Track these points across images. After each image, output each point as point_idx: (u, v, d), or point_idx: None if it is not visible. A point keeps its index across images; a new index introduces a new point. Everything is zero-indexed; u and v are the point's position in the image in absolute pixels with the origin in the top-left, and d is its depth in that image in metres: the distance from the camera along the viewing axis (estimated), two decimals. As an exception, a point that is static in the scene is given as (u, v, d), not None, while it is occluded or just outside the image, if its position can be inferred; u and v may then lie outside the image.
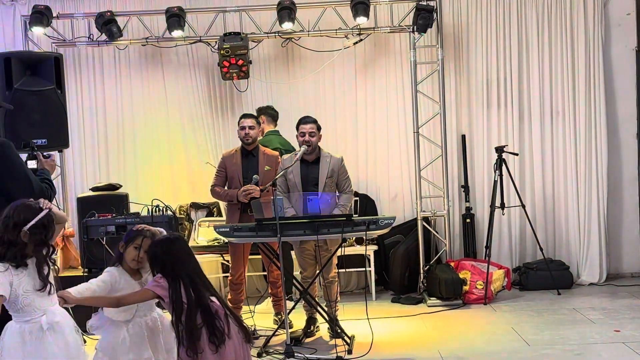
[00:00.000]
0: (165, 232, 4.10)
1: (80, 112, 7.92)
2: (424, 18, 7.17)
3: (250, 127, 6.34)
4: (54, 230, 3.56)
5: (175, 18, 7.26)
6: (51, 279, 3.57)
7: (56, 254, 3.60)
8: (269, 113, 7.29)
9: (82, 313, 4.02)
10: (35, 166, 4.32)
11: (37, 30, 7.30)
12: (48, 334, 3.50)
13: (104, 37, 7.43)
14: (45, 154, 4.52)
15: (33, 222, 3.45)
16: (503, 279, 7.21)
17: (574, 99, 7.78)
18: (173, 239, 3.96)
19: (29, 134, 6.01)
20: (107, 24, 7.27)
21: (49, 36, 7.53)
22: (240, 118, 6.49)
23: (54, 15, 7.39)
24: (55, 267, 3.64)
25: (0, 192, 3.95)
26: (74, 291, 3.78)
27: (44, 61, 6.44)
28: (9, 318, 3.55)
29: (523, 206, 7.38)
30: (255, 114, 7.00)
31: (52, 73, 6.42)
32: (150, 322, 4.05)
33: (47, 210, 3.52)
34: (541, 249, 7.45)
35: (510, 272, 7.39)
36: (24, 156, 4.36)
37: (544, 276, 7.42)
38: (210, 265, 7.58)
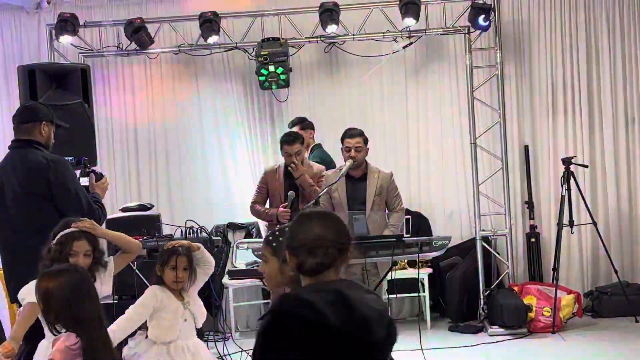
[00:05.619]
0: (202, 246, 4.25)
1: (109, 127, 8.12)
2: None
3: (297, 153, 6.33)
4: (69, 248, 3.86)
5: (210, 24, 7.41)
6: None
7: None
8: (311, 125, 7.30)
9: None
10: (87, 184, 4.81)
11: (64, 40, 7.51)
12: None
13: (133, 46, 7.60)
14: (98, 173, 4.83)
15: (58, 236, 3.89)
16: (573, 305, 7.15)
17: (651, 105, 7.76)
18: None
19: (54, 151, 6.17)
20: (137, 32, 7.42)
21: (75, 46, 7.72)
22: (283, 144, 6.41)
23: (81, 23, 7.56)
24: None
25: (56, 209, 4.52)
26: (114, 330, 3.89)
27: (71, 73, 6.57)
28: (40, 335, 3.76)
29: (594, 223, 7.33)
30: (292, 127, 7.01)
31: (79, 86, 6.55)
32: (192, 347, 4.22)
33: (75, 229, 3.89)
34: (616, 272, 7.36)
35: (581, 297, 7.34)
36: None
37: (620, 302, 7.33)
38: (250, 291, 7.66)
